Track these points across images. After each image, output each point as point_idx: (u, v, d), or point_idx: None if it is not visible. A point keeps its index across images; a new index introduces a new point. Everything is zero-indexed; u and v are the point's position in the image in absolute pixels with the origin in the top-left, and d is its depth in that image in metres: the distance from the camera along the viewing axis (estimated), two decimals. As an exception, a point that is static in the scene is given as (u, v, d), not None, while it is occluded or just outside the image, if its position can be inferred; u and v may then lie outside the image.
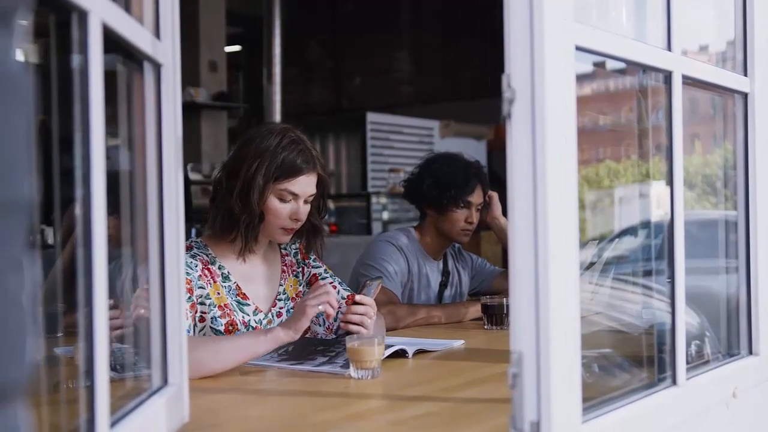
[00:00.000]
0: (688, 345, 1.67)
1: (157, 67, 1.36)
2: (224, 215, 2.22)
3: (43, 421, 1.13)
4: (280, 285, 2.36)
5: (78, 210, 1.02)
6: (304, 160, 2.21)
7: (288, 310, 2.33)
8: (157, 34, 1.36)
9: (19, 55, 0.59)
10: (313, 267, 2.44)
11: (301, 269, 2.43)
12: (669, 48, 1.55)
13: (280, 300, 2.35)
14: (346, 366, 1.92)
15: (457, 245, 3.23)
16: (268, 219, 2.23)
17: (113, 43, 1.12)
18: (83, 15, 1.01)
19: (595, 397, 1.36)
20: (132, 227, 1.38)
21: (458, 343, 2.38)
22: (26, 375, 0.58)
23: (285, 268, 2.39)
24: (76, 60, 1.02)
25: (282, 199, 2.21)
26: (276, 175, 2.18)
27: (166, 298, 1.38)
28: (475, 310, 2.86)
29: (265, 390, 1.81)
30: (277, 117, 8.87)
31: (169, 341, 1.39)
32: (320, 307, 1.98)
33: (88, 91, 1.02)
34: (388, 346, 2.05)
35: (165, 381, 1.38)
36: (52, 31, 1.03)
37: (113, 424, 1.10)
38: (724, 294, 1.97)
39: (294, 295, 2.38)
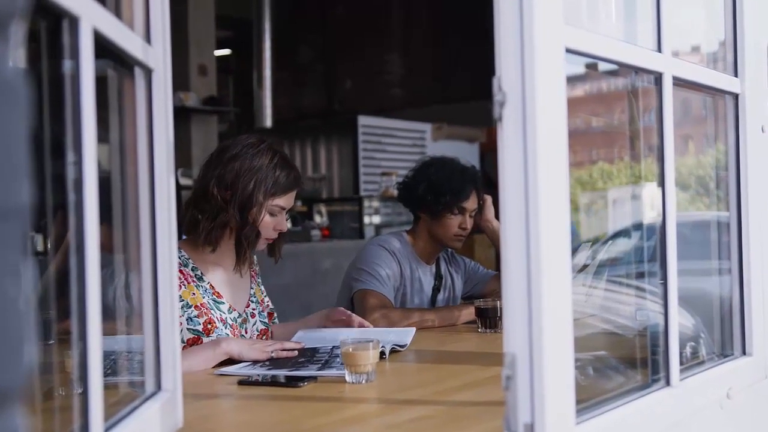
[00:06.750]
0: (684, 347, 1.67)
1: (148, 72, 1.35)
2: (217, 227, 2.28)
3: (37, 427, 1.12)
4: (251, 288, 2.47)
5: (70, 216, 1.02)
6: (296, 177, 2.35)
7: (260, 312, 2.46)
8: (147, 39, 1.36)
9: (16, 62, 0.59)
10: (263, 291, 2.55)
11: (260, 279, 2.55)
12: (659, 49, 1.55)
13: (252, 302, 2.45)
14: (342, 369, 1.92)
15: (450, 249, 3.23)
16: None
17: (103, 48, 1.12)
18: (74, 21, 1.00)
19: (589, 398, 1.36)
20: (124, 234, 1.37)
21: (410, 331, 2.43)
22: (24, 380, 0.58)
23: (253, 274, 2.51)
24: (67, 65, 1.02)
25: (272, 214, 2.32)
26: (272, 192, 2.29)
27: (158, 304, 1.38)
28: (468, 313, 2.86)
29: (258, 395, 1.80)
30: (268, 121, 8.83)
31: (163, 347, 1.38)
32: (273, 354, 2.15)
33: (80, 96, 1.02)
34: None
35: (158, 386, 1.38)
36: (43, 37, 1.03)
37: (107, 429, 1.09)
38: (717, 295, 1.97)
39: (260, 300, 2.49)
